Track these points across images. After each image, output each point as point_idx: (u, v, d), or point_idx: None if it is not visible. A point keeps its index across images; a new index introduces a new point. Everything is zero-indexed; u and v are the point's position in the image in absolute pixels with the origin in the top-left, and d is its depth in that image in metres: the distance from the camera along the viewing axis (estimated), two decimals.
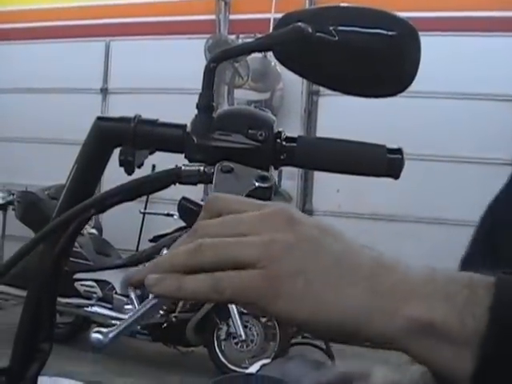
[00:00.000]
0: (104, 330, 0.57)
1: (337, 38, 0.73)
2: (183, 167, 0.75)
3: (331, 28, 0.73)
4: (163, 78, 7.30)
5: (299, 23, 0.72)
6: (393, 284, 0.54)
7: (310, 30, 0.72)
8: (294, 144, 0.78)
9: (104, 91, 7.94)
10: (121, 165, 0.79)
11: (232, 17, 7.41)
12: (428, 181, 6.42)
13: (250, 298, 0.55)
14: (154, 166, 5.14)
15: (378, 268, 0.56)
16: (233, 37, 7.07)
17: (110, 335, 0.57)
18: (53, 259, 0.81)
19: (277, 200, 0.79)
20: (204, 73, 0.75)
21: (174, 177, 0.75)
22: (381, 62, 0.74)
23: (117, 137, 0.80)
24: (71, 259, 5.99)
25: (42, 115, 7.86)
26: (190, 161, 0.76)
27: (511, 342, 0.51)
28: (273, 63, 6.82)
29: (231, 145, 0.74)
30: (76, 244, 6.12)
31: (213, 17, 7.36)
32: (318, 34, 0.72)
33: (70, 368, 5.12)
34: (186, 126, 0.79)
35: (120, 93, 7.79)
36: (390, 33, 0.73)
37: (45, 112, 7.84)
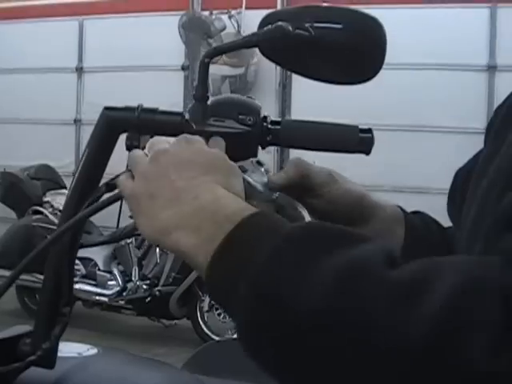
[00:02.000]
0: None
1: (313, 34, 0.84)
2: None
3: (307, 25, 0.84)
4: (138, 56, 7.33)
5: (281, 22, 0.83)
6: (179, 212, 0.70)
7: (291, 28, 0.83)
8: (279, 126, 0.90)
9: (79, 70, 7.95)
10: (127, 149, 0.90)
11: None
12: (405, 151, 6.55)
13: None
14: None
15: (185, 196, 0.71)
16: (206, 13, 7.11)
17: None
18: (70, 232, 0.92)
19: (256, 171, 0.92)
20: (199, 67, 0.86)
21: None
22: (350, 53, 0.86)
23: (123, 124, 0.91)
24: None
25: (18, 95, 7.86)
26: None
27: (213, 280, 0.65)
28: None
29: (225, 130, 0.86)
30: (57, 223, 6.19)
31: None
32: (297, 30, 0.84)
33: None
34: (182, 113, 0.91)
35: (95, 71, 7.82)
36: (357, 28, 0.85)
37: (20, 92, 7.85)
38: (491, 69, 6.60)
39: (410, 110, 6.68)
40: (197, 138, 0.79)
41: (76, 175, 0.93)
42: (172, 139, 0.80)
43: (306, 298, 0.57)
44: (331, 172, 0.97)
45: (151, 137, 0.95)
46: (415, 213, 1.07)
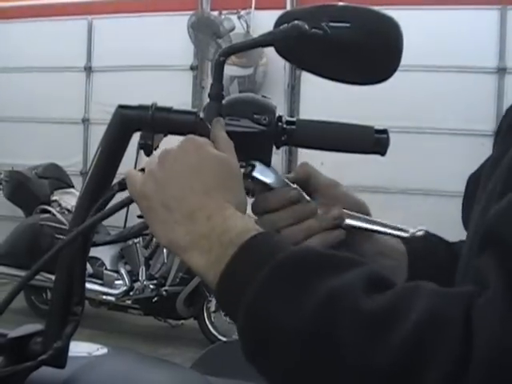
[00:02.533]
0: None
1: (329, 33, 0.83)
2: None
3: (323, 24, 0.84)
4: (147, 56, 7.33)
5: (297, 21, 0.83)
6: (194, 232, 0.74)
7: (307, 27, 0.82)
8: (294, 126, 0.89)
9: (88, 69, 7.95)
10: (141, 147, 0.89)
11: None
12: (412, 152, 6.53)
13: None
14: None
15: (200, 215, 0.75)
16: (215, 13, 7.10)
17: None
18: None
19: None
20: (214, 66, 0.85)
21: None
22: (365, 53, 0.85)
23: (137, 122, 0.90)
24: (60, 237, 6.06)
25: (27, 94, 7.87)
26: None
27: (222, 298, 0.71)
28: None
29: (240, 129, 0.86)
30: (66, 222, 6.20)
31: None
32: (313, 30, 0.83)
33: None
34: (197, 112, 0.90)
35: (104, 71, 7.83)
36: (372, 27, 0.84)
37: (29, 91, 7.86)
38: (501, 71, 6.58)
39: (418, 112, 6.66)
40: (203, 140, 0.80)
41: (89, 173, 0.93)
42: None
43: (290, 323, 0.63)
44: (336, 181, 1.00)
45: (165, 135, 0.95)
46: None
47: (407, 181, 6.71)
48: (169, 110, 0.91)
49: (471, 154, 6.57)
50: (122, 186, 0.90)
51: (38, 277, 4.33)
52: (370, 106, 6.08)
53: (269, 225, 0.87)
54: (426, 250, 1.01)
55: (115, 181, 0.94)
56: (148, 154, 0.90)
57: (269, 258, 0.68)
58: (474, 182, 0.90)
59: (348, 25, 0.84)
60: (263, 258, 0.68)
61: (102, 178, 0.93)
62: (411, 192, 6.75)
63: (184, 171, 0.77)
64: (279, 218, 0.90)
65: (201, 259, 0.73)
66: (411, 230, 0.87)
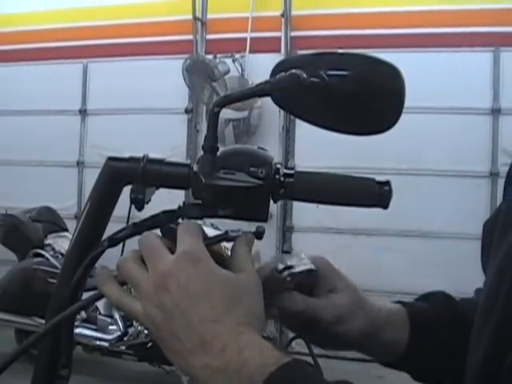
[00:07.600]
0: None
1: (328, 81, 0.80)
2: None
3: (321, 72, 0.80)
4: (142, 99, 7.35)
5: (294, 70, 0.79)
6: (210, 366, 0.70)
7: (305, 76, 0.79)
8: (292, 179, 0.85)
9: (83, 112, 7.96)
10: (132, 202, 0.85)
11: (209, 37, 7.49)
12: (408, 194, 6.51)
13: None
14: None
15: (213, 346, 0.71)
16: (210, 56, 7.14)
17: None
18: (70, 289, 0.87)
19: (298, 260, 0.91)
20: (209, 116, 0.82)
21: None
22: (366, 102, 0.81)
23: (127, 176, 0.86)
24: (54, 281, 5.96)
25: (21, 137, 7.87)
26: (197, 198, 0.83)
27: None
28: (250, 82, 6.91)
29: (235, 183, 0.81)
30: (59, 266, 6.12)
31: (190, 37, 7.43)
32: (311, 78, 0.79)
33: None
34: (190, 165, 0.86)
35: (99, 114, 7.83)
36: (372, 75, 0.81)
37: (24, 133, 7.86)
38: (495, 112, 6.61)
39: (413, 154, 6.66)
40: (201, 254, 0.76)
41: (78, 227, 0.88)
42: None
43: None
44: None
45: (157, 189, 0.90)
46: (427, 295, 1.04)
47: (403, 223, 6.67)
48: (161, 162, 0.86)
49: (467, 196, 6.61)
50: (113, 241, 0.86)
51: (29, 321, 4.26)
52: (364, 148, 6.08)
53: None
54: (428, 319, 0.98)
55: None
56: (139, 208, 0.86)
57: None
58: (490, 229, 0.88)
59: (347, 73, 0.80)
60: None
61: (92, 232, 0.88)
62: (407, 234, 6.71)
63: (190, 297, 0.72)
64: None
65: None
66: None
